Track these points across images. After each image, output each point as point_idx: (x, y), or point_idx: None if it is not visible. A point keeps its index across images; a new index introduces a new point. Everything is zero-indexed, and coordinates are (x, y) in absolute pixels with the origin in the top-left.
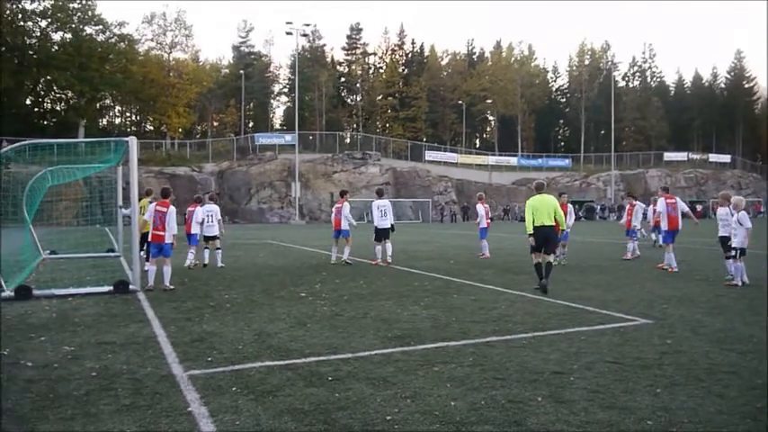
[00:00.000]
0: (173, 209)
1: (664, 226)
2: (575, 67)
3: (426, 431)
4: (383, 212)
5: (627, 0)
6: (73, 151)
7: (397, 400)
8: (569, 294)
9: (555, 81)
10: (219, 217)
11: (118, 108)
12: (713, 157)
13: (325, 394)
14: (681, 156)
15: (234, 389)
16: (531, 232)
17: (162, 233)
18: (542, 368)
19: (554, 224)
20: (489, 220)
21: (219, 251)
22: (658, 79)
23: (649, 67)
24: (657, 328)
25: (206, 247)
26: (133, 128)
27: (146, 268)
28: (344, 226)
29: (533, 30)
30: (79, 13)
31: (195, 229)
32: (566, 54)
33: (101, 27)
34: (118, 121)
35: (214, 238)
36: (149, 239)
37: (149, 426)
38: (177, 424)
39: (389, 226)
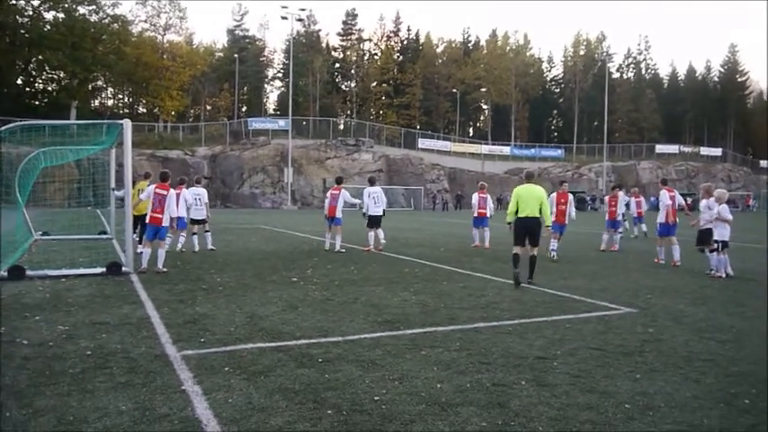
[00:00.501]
0: (173, 192)
1: (662, 218)
2: (569, 58)
3: (413, 411)
4: (375, 200)
5: None
6: (66, 132)
7: (384, 381)
8: (557, 283)
9: (549, 71)
10: (207, 200)
11: (110, 90)
12: (704, 151)
13: (316, 375)
14: (672, 148)
15: (226, 369)
16: (510, 221)
17: (160, 216)
18: (527, 353)
19: (539, 216)
20: (483, 210)
21: (209, 233)
22: (652, 71)
23: (644, 59)
24: (641, 317)
25: (194, 233)
26: (126, 110)
27: (139, 251)
28: (338, 214)
29: (529, 19)
30: None
31: (183, 213)
32: (561, 44)
33: (94, 7)
34: (110, 102)
35: (202, 221)
36: (147, 221)
37: (144, 403)
38: (171, 401)
39: (382, 213)
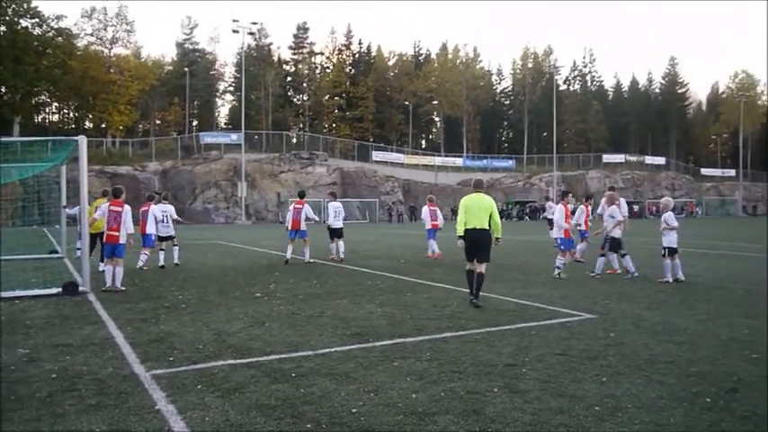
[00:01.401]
0: (128, 208)
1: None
2: (518, 71)
3: (391, 422)
4: (337, 213)
5: (569, 1)
6: (9, 150)
7: (360, 393)
8: (517, 292)
9: (499, 83)
10: (175, 216)
11: (55, 104)
12: (649, 160)
13: (291, 390)
14: (619, 158)
15: (199, 387)
16: (461, 234)
17: (116, 233)
18: (496, 361)
19: (488, 228)
20: (435, 222)
21: (177, 248)
22: (598, 83)
23: (589, 72)
24: (601, 323)
25: (161, 249)
26: (72, 125)
27: (101, 269)
28: (303, 227)
29: (478, 33)
30: (14, 5)
31: (151, 229)
32: (510, 57)
33: (37, 20)
34: (55, 117)
35: (170, 237)
36: (104, 239)
37: (119, 424)
38: (146, 422)
39: (341, 225)
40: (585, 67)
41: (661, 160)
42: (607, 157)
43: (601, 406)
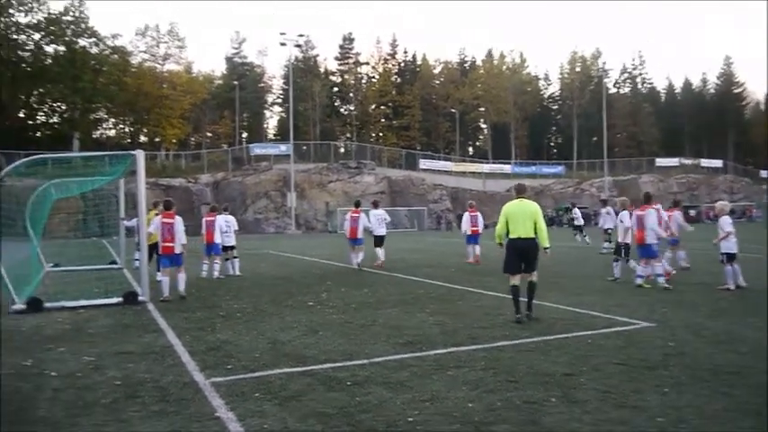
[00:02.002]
0: (179, 219)
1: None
2: (566, 75)
3: (448, 431)
4: (379, 221)
5: (618, 2)
6: (70, 165)
7: (416, 402)
8: (572, 300)
9: (547, 88)
10: (236, 227)
11: (112, 120)
12: (705, 162)
13: (346, 398)
14: (673, 161)
15: (257, 395)
16: (501, 243)
17: (171, 244)
18: (552, 370)
19: (534, 237)
20: (476, 228)
21: (237, 260)
22: (649, 86)
23: (639, 74)
24: (660, 331)
25: (226, 259)
26: (128, 140)
27: (158, 279)
28: (359, 235)
29: (525, 38)
30: (72, 26)
31: (218, 239)
32: (557, 62)
33: (94, 39)
34: (112, 133)
35: (232, 247)
36: (160, 251)
37: (181, 430)
38: (207, 428)
39: (384, 233)
40: (635, 69)
41: (718, 163)
42: (660, 161)
43: (664, 417)
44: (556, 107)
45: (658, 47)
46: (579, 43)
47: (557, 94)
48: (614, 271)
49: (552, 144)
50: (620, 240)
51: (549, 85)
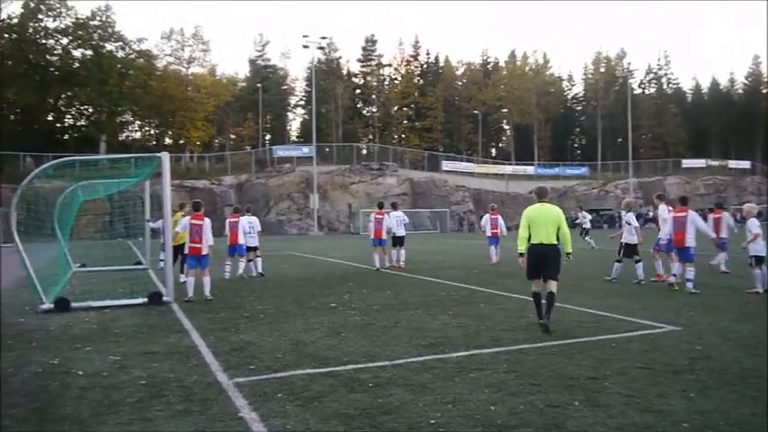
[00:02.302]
0: (208, 221)
1: (633, 238)
2: (590, 76)
3: None
4: (398, 222)
5: (644, 1)
6: (96, 167)
7: (438, 405)
8: (595, 303)
9: (570, 89)
10: (259, 228)
11: (138, 123)
12: (732, 164)
13: (369, 400)
14: (699, 162)
15: (279, 395)
16: (522, 251)
17: (199, 245)
18: (576, 374)
19: (556, 243)
20: (495, 230)
21: (259, 259)
22: (674, 86)
23: (665, 74)
24: (686, 335)
25: (249, 260)
26: (153, 142)
27: (182, 280)
28: (384, 236)
29: (548, 38)
30: (99, 30)
31: (242, 240)
32: (581, 62)
33: (120, 43)
34: (138, 135)
35: (255, 248)
36: (186, 252)
37: (205, 430)
38: (230, 428)
39: (404, 234)
40: (661, 69)
41: (746, 164)
42: (687, 162)
43: (689, 423)
44: (580, 108)
45: (684, 46)
46: (603, 43)
47: (580, 94)
48: (612, 271)
49: (576, 145)
50: (622, 241)
51: (572, 85)
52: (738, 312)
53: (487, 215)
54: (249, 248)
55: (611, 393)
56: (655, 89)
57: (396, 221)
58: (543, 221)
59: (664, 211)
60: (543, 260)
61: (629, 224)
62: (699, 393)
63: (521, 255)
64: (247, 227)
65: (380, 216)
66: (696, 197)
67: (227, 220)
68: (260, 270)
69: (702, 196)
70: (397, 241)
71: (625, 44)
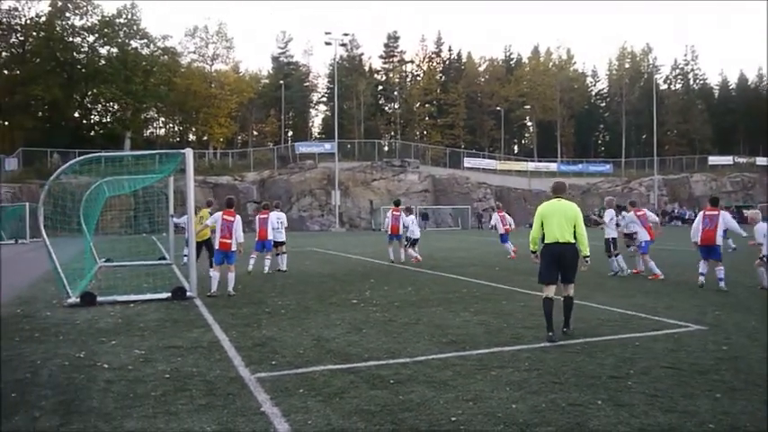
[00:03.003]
0: (239, 218)
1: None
2: (614, 71)
3: None
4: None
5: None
6: (122, 163)
7: (459, 402)
8: (619, 301)
9: (594, 85)
10: (287, 224)
11: (162, 119)
12: (761, 161)
13: (389, 396)
14: (726, 159)
15: (301, 391)
16: (535, 250)
17: (229, 241)
18: (599, 373)
19: (573, 242)
20: (506, 226)
21: (285, 255)
22: (701, 81)
23: (692, 70)
24: (712, 335)
25: (277, 254)
26: (177, 138)
27: (211, 275)
28: (400, 231)
29: (572, 34)
30: (125, 28)
31: (271, 236)
32: (605, 58)
33: (145, 41)
34: (162, 132)
35: (282, 243)
36: (216, 247)
37: (227, 424)
38: (253, 423)
39: (419, 236)
40: (687, 65)
41: None
42: (713, 159)
43: (715, 423)
44: (604, 104)
45: (712, 41)
46: (628, 39)
47: (605, 90)
48: (612, 266)
49: (600, 142)
50: (607, 236)
51: (596, 81)
52: (766, 312)
53: (496, 214)
54: (277, 243)
55: (635, 393)
56: (681, 85)
57: (412, 223)
58: (558, 218)
59: (611, 215)
60: (560, 261)
61: (611, 220)
62: (725, 394)
63: (533, 253)
64: (276, 222)
65: (397, 213)
66: (723, 194)
67: (258, 217)
68: (284, 267)
69: (729, 194)
70: (413, 242)
71: (651, 39)
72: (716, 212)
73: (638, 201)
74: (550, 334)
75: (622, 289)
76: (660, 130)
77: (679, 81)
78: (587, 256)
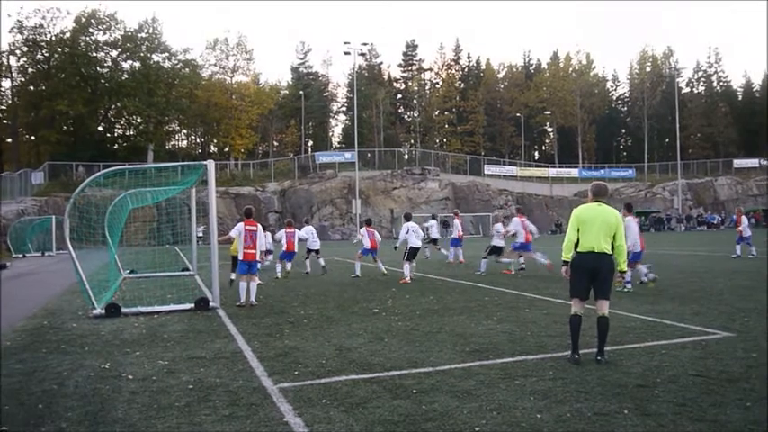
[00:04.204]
0: (261, 227)
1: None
2: (636, 75)
3: None
4: (416, 233)
5: (690, 2)
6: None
7: (482, 412)
8: (644, 308)
9: (615, 90)
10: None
11: (184, 131)
12: None
13: (412, 406)
14: (752, 162)
15: (324, 401)
16: (568, 260)
17: (253, 251)
18: (625, 381)
19: (610, 253)
20: (461, 233)
21: (321, 258)
22: (725, 84)
23: (715, 72)
24: (741, 342)
25: (307, 258)
26: (198, 150)
27: (232, 277)
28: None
29: (591, 38)
30: (147, 42)
31: (296, 248)
32: (626, 62)
33: (167, 54)
34: (184, 143)
35: (317, 251)
36: (241, 257)
37: None
38: None
39: (420, 245)
40: (711, 67)
41: None
42: (738, 162)
43: None
44: (625, 109)
45: (735, 42)
46: (649, 42)
47: (626, 95)
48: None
49: (622, 147)
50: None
51: (617, 86)
52: None
53: (516, 218)
54: (312, 251)
55: (662, 402)
56: (704, 88)
57: (412, 233)
58: (598, 225)
59: (631, 222)
60: (595, 274)
61: (498, 232)
62: (756, 403)
63: (565, 263)
64: (306, 234)
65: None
66: (749, 198)
67: (285, 231)
68: (323, 263)
69: (756, 197)
70: (413, 253)
71: (672, 42)
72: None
73: (662, 206)
74: (576, 356)
75: (648, 295)
76: (683, 134)
77: (702, 84)
78: (624, 271)
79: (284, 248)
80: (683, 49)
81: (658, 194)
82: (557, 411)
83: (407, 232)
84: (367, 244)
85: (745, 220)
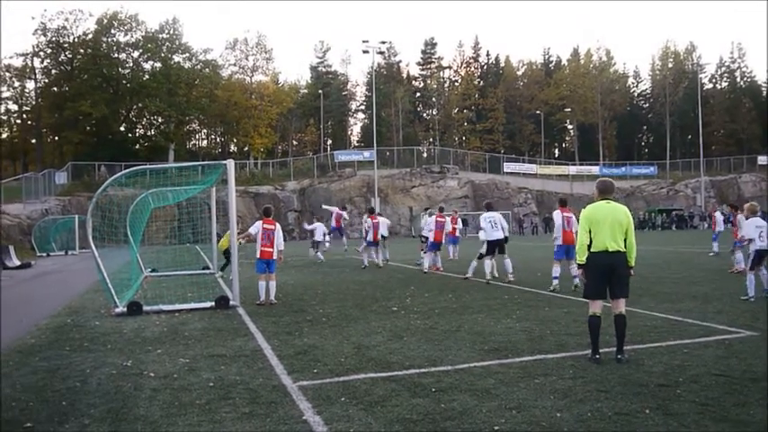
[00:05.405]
0: (279, 226)
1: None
2: (657, 71)
3: None
4: (493, 224)
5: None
6: (166, 174)
7: (502, 411)
8: (665, 306)
9: (636, 86)
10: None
11: (204, 131)
12: None
13: (431, 405)
14: None
15: (343, 399)
16: (583, 262)
17: (270, 249)
18: (646, 381)
19: (623, 251)
20: (376, 235)
21: (387, 249)
22: (749, 79)
23: (738, 67)
24: (764, 341)
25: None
26: (218, 149)
27: (259, 282)
28: (443, 239)
29: (612, 34)
30: (168, 43)
31: (380, 235)
32: (647, 58)
33: (187, 55)
34: (204, 143)
35: (386, 237)
36: (258, 256)
37: None
38: (295, 431)
39: (502, 237)
40: (734, 62)
41: None
42: (763, 159)
43: None
44: (647, 105)
45: (759, 37)
46: (671, 37)
47: (647, 91)
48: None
49: (643, 143)
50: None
51: (639, 82)
52: None
53: (558, 212)
54: (383, 237)
55: (684, 401)
56: (727, 83)
57: (490, 223)
58: (609, 223)
59: (558, 217)
60: (611, 273)
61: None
62: None
63: (580, 266)
64: (366, 225)
65: (442, 220)
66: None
67: (372, 221)
68: (388, 256)
69: None
70: (493, 246)
71: (694, 37)
72: (569, 214)
73: (685, 203)
74: (597, 357)
75: (669, 294)
76: (706, 131)
77: (725, 79)
78: (632, 267)
79: (371, 237)
80: (705, 44)
81: (681, 192)
82: (577, 411)
83: (488, 223)
84: (370, 237)
85: (719, 215)
